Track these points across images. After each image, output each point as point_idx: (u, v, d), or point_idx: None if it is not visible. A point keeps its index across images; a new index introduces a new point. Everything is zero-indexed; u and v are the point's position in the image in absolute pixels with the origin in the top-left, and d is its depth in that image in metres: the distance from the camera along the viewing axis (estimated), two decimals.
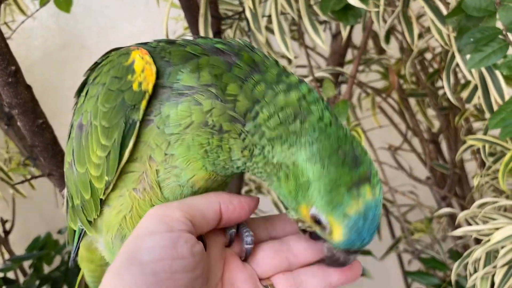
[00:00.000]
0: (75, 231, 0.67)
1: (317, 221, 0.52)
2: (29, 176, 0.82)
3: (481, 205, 1.13)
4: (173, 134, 0.53)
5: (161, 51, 0.56)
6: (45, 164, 0.81)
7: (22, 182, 0.80)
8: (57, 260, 1.72)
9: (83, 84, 0.63)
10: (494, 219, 1.03)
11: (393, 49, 1.57)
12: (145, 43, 0.59)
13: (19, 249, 1.71)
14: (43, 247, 1.62)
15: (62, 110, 2.01)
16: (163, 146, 0.54)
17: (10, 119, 1.37)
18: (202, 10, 0.92)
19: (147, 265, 0.46)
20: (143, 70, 0.53)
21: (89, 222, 0.61)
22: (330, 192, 0.51)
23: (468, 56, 0.85)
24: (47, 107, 1.93)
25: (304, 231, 0.57)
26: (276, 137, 0.52)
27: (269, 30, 1.37)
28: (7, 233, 1.66)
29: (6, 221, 1.69)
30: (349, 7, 0.86)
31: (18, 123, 0.78)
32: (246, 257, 0.57)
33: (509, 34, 0.70)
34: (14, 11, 1.55)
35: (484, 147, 1.16)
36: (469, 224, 1.20)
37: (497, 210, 1.10)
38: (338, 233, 0.52)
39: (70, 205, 0.64)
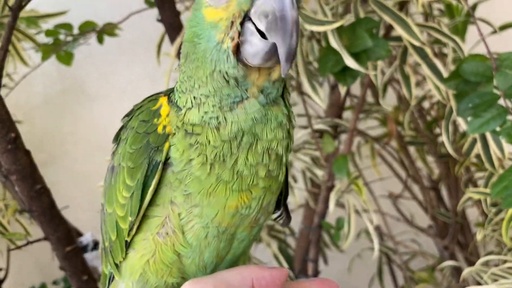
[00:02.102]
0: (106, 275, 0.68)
1: None
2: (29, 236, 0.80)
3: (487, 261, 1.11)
4: (180, 171, 0.54)
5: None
6: (43, 229, 0.80)
7: (21, 246, 0.78)
8: None
9: (120, 130, 0.65)
10: (501, 276, 1.01)
11: (390, 97, 1.58)
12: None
13: None
14: None
15: (60, 155, 2.01)
16: (180, 186, 0.54)
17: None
18: None
19: None
20: (169, 115, 0.55)
21: (116, 265, 0.62)
22: None
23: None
24: (46, 152, 1.92)
25: None
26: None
27: None
28: (0, 282, 1.62)
29: (0, 269, 1.65)
30: (347, 68, 0.87)
31: (16, 189, 0.77)
32: None
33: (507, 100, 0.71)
34: (15, 58, 1.57)
35: (485, 199, 1.15)
36: (474, 279, 1.18)
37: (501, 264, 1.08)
38: None
39: (102, 248, 0.65)
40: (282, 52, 0.47)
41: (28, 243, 0.80)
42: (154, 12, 1.38)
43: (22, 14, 1.39)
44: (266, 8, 0.47)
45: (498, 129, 0.69)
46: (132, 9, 1.57)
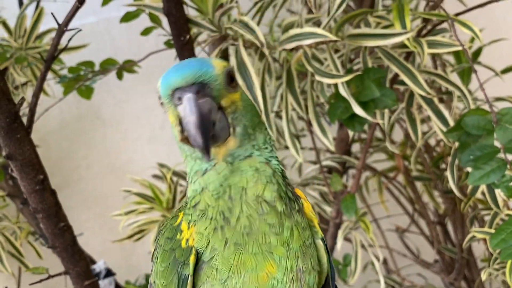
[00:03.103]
0: None
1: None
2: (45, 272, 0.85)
3: None
4: (210, 258, 0.58)
5: None
6: (64, 264, 0.84)
7: (42, 281, 0.83)
8: None
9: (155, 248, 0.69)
10: None
11: (397, 132, 1.62)
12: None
13: None
14: None
15: (74, 179, 2.05)
16: (216, 275, 0.58)
17: (26, 198, 1.41)
18: None
19: None
20: (189, 228, 0.60)
21: None
22: None
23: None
24: (60, 176, 1.97)
25: None
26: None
27: (279, 116, 1.43)
28: None
29: None
30: (355, 115, 0.91)
31: (41, 226, 0.82)
32: None
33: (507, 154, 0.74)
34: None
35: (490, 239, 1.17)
36: None
37: None
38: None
39: None
40: (196, 149, 0.55)
41: (49, 277, 0.84)
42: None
43: (46, 47, 1.46)
44: (180, 115, 0.55)
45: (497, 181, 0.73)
46: (150, 45, 1.63)
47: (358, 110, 0.88)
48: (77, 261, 0.87)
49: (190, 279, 0.58)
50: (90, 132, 2.06)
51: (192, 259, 0.58)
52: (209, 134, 0.54)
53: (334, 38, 0.82)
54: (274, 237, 0.57)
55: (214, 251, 0.58)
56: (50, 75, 1.56)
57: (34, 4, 1.52)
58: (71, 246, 0.86)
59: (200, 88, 0.55)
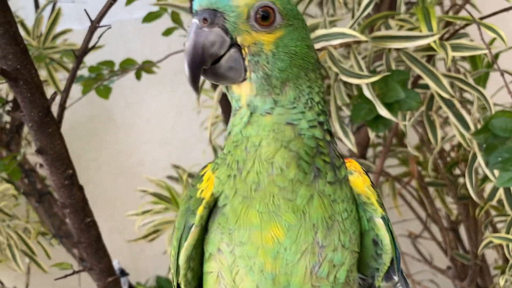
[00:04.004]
0: None
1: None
2: (70, 269, 0.85)
3: None
4: (223, 205, 0.56)
5: None
6: (88, 260, 0.84)
7: (63, 277, 0.82)
8: None
9: None
10: None
11: (412, 136, 1.62)
12: None
13: None
14: None
15: (83, 181, 2.05)
16: (226, 223, 0.56)
17: (41, 196, 1.42)
18: None
19: None
20: (209, 179, 0.59)
21: None
22: None
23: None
24: None
25: None
26: None
27: None
28: None
29: None
30: (379, 116, 0.92)
31: (67, 221, 0.82)
32: None
33: None
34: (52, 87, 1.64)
35: (507, 245, 1.17)
36: None
37: None
38: None
39: None
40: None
41: (74, 272, 0.84)
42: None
43: (65, 46, 1.47)
44: None
45: None
46: (162, 47, 1.64)
47: (383, 111, 0.89)
48: (101, 257, 0.87)
49: (194, 229, 0.57)
50: (101, 134, 2.06)
51: (200, 210, 0.57)
52: (198, 64, 0.51)
53: (364, 38, 0.83)
54: (285, 201, 0.54)
55: (226, 198, 0.57)
56: (64, 76, 1.57)
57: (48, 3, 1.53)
58: (96, 242, 0.86)
59: (211, 16, 0.51)
